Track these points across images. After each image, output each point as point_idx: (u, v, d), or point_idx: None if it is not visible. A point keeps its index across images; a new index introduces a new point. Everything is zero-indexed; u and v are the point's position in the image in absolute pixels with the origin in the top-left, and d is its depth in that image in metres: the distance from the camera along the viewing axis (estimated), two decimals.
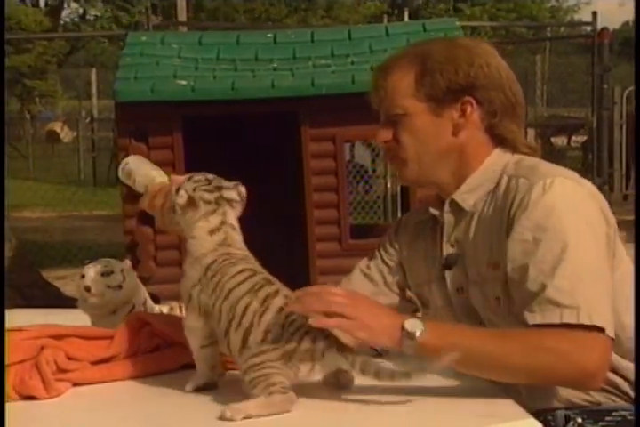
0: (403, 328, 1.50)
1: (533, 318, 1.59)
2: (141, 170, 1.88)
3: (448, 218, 1.80)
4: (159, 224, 1.79)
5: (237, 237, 1.66)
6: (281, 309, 1.55)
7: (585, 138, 12.70)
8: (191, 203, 1.64)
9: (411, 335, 1.50)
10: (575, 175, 1.72)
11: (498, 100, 1.76)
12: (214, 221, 1.65)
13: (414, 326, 1.51)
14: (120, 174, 1.91)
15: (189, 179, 1.68)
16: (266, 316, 1.54)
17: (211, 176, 1.69)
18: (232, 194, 1.67)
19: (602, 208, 1.70)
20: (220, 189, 1.66)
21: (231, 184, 1.69)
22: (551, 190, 1.65)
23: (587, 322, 1.55)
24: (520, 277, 1.63)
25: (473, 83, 1.74)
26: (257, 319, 1.55)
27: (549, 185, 1.65)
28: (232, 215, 1.67)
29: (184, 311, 2.24)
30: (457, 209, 1.79)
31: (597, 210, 1.68)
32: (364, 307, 1.52)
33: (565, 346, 1.54)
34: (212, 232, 1.64)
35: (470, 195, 1.77)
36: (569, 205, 1.64)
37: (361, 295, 1.60)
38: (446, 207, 1.80)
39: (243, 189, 1.69)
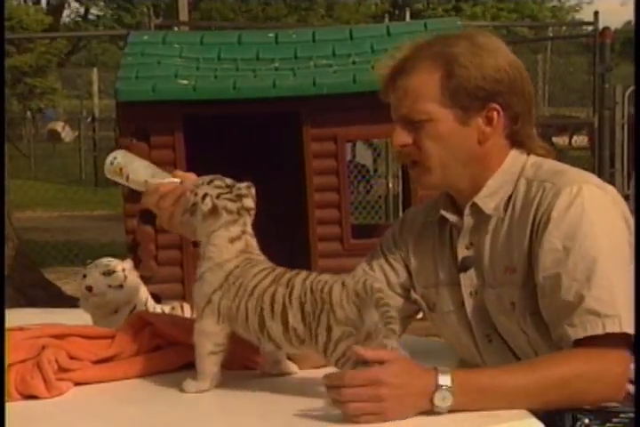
0: (433, 402, 1.47)
1: (576, 332, 1.58)
2: (134, 166, 1.80)
3: (467, 221, 1.77)
4: (164, 224, 1.77)
5: (255, 242, 1.68)
6: (304, 280, 1.56)
7: (586, 138, 12.66)
8: (214, 211, 1.64)
9: (442, 408, 1.47)
10: (598, 180, 1.71)
11: (519, 105, 1.73)
12: (235, 230, 1.66)
13: (444, 400, 1.46)
14: (107, 170, 1.80)
15: (209, 183, 1.67)
16: (295, 292, 1.56)
17: (229, 181, 1.68)
18: (250, 202, 1.68)
19: (624, 214, 1.69)
20: (240, 198, 1.66)
21: (244, 186, 1.68)
22: (579, 198, 1.64)
23: (628, 330, 1.55)
24: (552, 286, 1.62)
25: (498, 89, 1.70)
26: (287, 300, 1.56)
27: (577, 192, 1.65)
28: (249, 223, 1.68)
29: (186, 312, 2.25)
30: (477, 212, 1.76)
31: (621, 216, 1.68)
32: (389, 392, 1.44)
33: (596, 367, 1.55)
34: (232, 240, 1.65)
35: (491, 198, 1.74)
36: (596, 214, 1.64)
37: (380, 374, 1.46)
38: (467, 211, 1.77)
39: (254, 191, 1.69)
